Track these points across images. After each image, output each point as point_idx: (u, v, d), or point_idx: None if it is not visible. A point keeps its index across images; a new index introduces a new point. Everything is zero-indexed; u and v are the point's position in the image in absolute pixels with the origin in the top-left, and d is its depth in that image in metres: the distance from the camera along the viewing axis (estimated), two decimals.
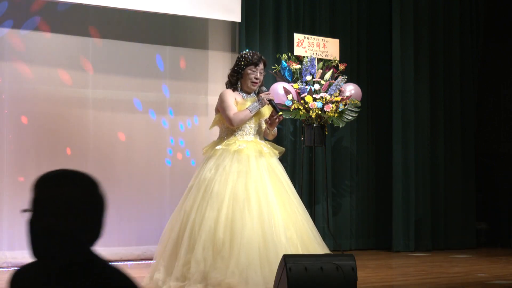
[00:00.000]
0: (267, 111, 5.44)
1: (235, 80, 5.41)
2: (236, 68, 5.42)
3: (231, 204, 5.09)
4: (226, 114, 5.29)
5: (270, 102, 5.36)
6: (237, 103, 5.34)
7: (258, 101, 5.33)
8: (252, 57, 5.38)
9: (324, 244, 5.32)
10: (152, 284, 5.09)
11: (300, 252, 5.08)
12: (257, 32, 7.87)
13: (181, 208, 5.27)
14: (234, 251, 4.93)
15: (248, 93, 5.43)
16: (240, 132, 5.35)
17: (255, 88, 5.41)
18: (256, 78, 5.38)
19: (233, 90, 5.42)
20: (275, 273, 4.81)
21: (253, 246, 4.96)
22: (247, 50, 5.55)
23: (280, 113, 5.40)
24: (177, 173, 7.45)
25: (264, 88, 5.45)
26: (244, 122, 5.30)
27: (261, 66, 5.41)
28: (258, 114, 5.38)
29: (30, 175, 6.75)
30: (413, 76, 8.52)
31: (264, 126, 5.51)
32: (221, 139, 5.41)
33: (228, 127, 5.36)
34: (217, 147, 5.33)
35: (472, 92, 9.06)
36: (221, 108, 5.35)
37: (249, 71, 5.37)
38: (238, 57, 5.47)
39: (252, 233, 5.00)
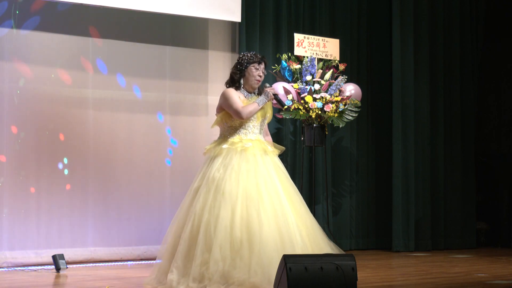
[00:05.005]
0: (269, 111, 5.48)
1: (238, 78, 5.43)
2: (239, 66, 5.44)
3: (244, 204, 5.10)
4: (234, 108, 5.30)
5: (275, 96, 5.44)
6: (241, 101, 5.36)
7: (265, 94, 5.39)
8: (254, 56, 5.46)
9: (330, 241, 5.36)
10: (166, 286, 5.08)
11: (310, 250, 5.11)
12: (257, 32, 7.87)
13: (188, 209, 5.24)
14: (254, 251, 4.94)
15: (249, 92, 5.45)
16: (243, 131, 5.37)
17: (257, 86, 5.45)
18: (260, 76, 5.42)
19: (235, 89, 5.43)
20: None
21: (271, 244, 4.99)
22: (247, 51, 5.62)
23: (286, 106, 5.49)
24: (177, 173, 7.45)
25: (267, 84, 5.53)
26: (252, 114, 5.34)
27: (263, 65, 5.48)
28: (261, 113, 5.40)
29: (30, 175, 6.75)
30: (413, 76, 8.52)
31: (264, 126, 5.53)
32: (223, 138, 5.41)
33: (231, 125, 5.37)
34: (223, 146, 5.33)
35: (472, 92, 9.06)
36: (226, 104, 5.35)
37: (253, 69, 5.42)
38: (240, 57, 5.51)
39: (269, 232, 5.02)
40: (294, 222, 5.16)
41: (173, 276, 5.06)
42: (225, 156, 5.29)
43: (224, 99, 5.38)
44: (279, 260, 4.89)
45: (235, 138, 5.35)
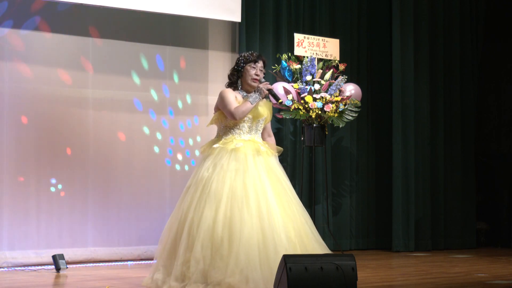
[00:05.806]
0: (265, 111, 5.43)
1: (236, 79, 5.43)
2: (236, 67, 5.45)
3: (229, 203, 5.08)
4: (227, 109, 5.29)
5: (270, 91, 5.39)
6: (238, 102, 5.35)
7: (258, 91, 5.35)
8: (250, 55, 5.44)
9: (324, 243, 5.31)
10: (153, 284, 5.09)
11: (299, 251, 5.07)
12: (257, 32, 7.87)
13: (179, 208, 5.26)
14: (233, 250, 4.92)
15: (249, 92, 5.43)
16: (237, 131, 5.36)
17: (256, 85, 5.41)
18: (257, 75, 5.39)
19: (234, 89, 5.43)
20: (274, 272, 4.80)
21: (252, 244, 4.95)
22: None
23: (280, 100, 5.45)
24: (177, 173, 7.45)
25: (263, 79, 5.46)
26: (245, 114, 5.29)
27: (260, 63, 5.43)
28: (255, 114, 5.37)
29: (30, 175, 6.75)
30: (413, 76, 8.53)
31: (263, 127, 5.50)
32: (218, 137, 5.41)
33: (226, 125, 5.36)
34: (214, 146, 5.33)
35: (472, 92, 9.07)
36: (221, 105, 5.35)
37: (248, 68, 5.39)
38: (237, 58, 5.51)
39: (251, 231, 4.99)
40: (280, 223, 5.10)
41: (159, 275, 5.08)
42: (216, 156, 5.28)
43: (220, 99, 5.38)
44: (260, 260, 4.89)
45: (228, 138, 5.35)
